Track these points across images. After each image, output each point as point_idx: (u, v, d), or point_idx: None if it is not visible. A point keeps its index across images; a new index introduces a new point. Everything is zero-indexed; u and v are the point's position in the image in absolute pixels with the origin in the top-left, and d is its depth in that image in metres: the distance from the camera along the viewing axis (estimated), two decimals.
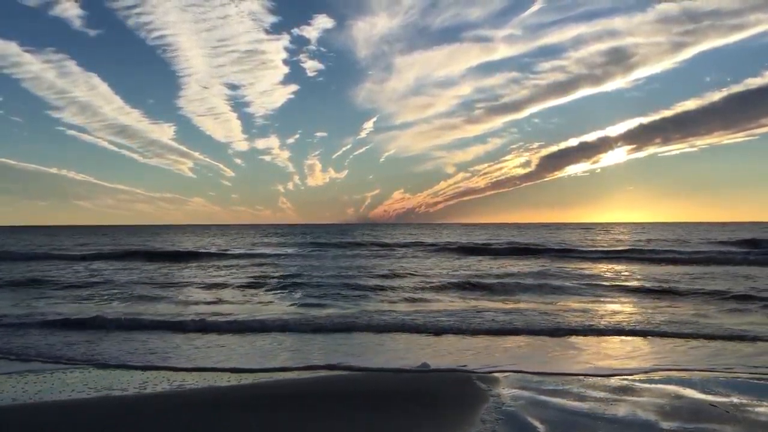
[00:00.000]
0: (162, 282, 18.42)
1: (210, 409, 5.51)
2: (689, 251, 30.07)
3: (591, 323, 10.45)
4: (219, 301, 14.18)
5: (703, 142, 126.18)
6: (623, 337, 9.33)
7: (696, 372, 6.93)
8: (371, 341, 9.24)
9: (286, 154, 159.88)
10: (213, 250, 36.13)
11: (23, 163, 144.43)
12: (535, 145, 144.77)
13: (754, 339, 8.95)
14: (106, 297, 14.92)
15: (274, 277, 19.55)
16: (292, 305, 13.46)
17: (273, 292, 16.08)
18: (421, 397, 5.90)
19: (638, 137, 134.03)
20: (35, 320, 10.91)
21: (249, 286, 17.40)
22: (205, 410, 5.46)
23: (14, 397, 6.05)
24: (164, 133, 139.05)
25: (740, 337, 9.07)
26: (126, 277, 19.80)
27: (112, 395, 6.11)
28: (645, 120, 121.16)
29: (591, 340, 9.13)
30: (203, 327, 10.21)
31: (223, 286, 17.41)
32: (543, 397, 5.79)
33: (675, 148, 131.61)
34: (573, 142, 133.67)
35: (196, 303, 13.91)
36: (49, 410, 5.58)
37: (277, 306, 13.38)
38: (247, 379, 6.85)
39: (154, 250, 34.29)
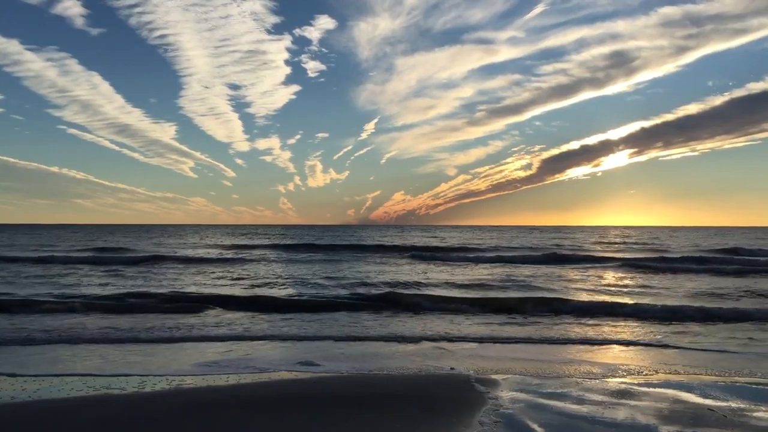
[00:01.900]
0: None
1: (210, 409, 5.51)
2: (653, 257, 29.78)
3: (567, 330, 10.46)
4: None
5: (704, 146, 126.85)
6: (611, 346, 9.34)
7: (694, 376, 6.94)
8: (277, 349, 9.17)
9: (287, 154, 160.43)
10: (165, 252, 33.69)
11: (24, 161, 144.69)
12: (537, 147, 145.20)
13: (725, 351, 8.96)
14: None
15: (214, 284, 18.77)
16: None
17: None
18: (419, 398, 5.90)
19: (640, 141, 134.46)
20: None
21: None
22: (204, 410, 5.46)
23: (13, 395, 6.07)
24: (165, 132, 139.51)
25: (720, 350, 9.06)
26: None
27: (111, 394, 6.12)
28: (647, 124, 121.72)
29: (578, 348, 9.12)
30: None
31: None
32: (542, 400, 5.79)
33: (677, 152, 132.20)
34: (574, 145, 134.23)
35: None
36: (48, 409, 5.59)
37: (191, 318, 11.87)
38: (247, 379, 6.86)
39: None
